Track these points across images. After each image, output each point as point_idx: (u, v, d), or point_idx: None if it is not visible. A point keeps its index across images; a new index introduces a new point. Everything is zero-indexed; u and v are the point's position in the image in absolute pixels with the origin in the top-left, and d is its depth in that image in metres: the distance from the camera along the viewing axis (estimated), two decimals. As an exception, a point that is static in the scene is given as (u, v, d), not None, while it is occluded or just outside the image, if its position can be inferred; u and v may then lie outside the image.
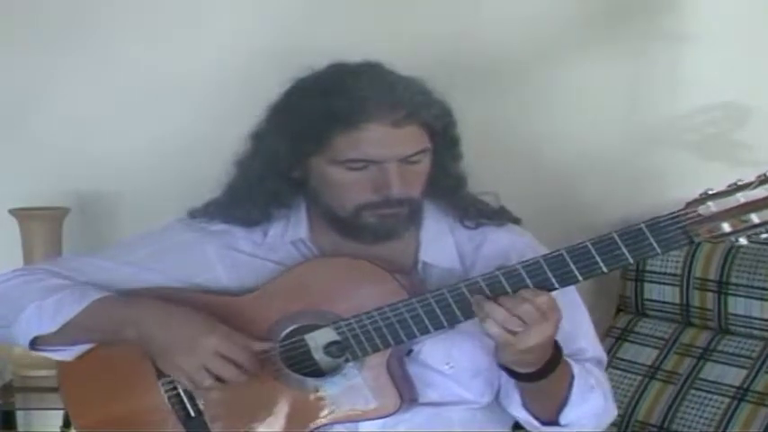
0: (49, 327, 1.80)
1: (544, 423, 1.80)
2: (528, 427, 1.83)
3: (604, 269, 1.62)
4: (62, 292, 1.81)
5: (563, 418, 1.78)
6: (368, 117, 1.73)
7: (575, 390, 1.76)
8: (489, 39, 2.52)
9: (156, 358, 1.78)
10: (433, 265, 1.84)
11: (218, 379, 1.74)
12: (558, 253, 1.64)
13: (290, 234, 1.87)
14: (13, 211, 2.47)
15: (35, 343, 1.84)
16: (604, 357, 1.91)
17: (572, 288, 1.80)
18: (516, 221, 1.92)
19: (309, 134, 1.77)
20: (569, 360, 1.77)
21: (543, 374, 1.71)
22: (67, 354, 1.86)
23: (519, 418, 1.82)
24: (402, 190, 1.76)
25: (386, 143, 1.74)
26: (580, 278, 1.64)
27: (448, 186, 1.86)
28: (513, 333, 1.63)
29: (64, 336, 1.81)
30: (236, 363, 1.74)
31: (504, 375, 1.78)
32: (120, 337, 1.78)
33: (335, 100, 1.75)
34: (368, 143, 1.74)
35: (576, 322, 1.85)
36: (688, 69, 2.53)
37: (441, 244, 1.86)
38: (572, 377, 1.76)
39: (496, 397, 1.84)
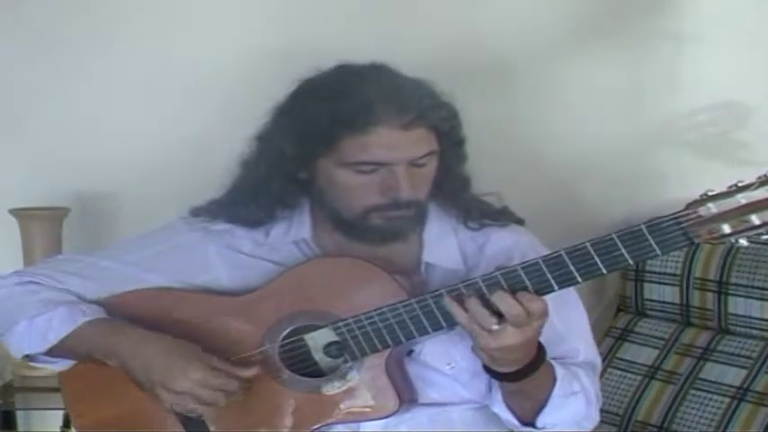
0: (36, 347, 1.81)
1: (524, 423, 1.79)
2: (509, 426, 1.83)
3: (604, 270, 1.62)
4: (54, 311, 1.81)
5: (540, 421, 1.77)
6: (377, 120, 1.73)
7: (555, 393, 1.76)
8: (489, 39, 2.52)
9: (143, 388, 1.78)
10: (436, 265, 1.84)
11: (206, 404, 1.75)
12: (557, 254, 1.64)
13: (292, 234, 1.87)
14: (13, 211, 2.47)
15: (27, 354, 1.85)
16: (598, 362, 1.90)
17: (571, 288, 1.80)
18: (519, 222, 1.92)
19: (318, 136, 1.76)
20: (554, 363, 1.76)
21: (522, 375, 1.70)
22: (60, 365, 1.88)
23: (501, 416, 1.82)
24: (410, 192, 1.76)
25: (395, 146, 1.74)
26: (579, 279, 1.64)
27: (453, 187, 1.86)
28: (489, 330, 1.64)
29: (53, 353, 1.83)
30: (221, 389, 1.74)
31: None
32: (106, 361, 1.79)
33: (344, 103, 1.75)
34: (377, 146, 1.74)
35: (571, 323, 1.85)
36: (688, 69, 2.53)
37: (443, 245, 1.86)
38: (554, 381, 1.76)
39: (494, 396, 1.85)
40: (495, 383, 1.78)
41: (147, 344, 1.77)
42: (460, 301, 1.66)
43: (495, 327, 1.63)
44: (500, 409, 1.80)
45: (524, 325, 1.63)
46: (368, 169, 1.76)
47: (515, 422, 1.79)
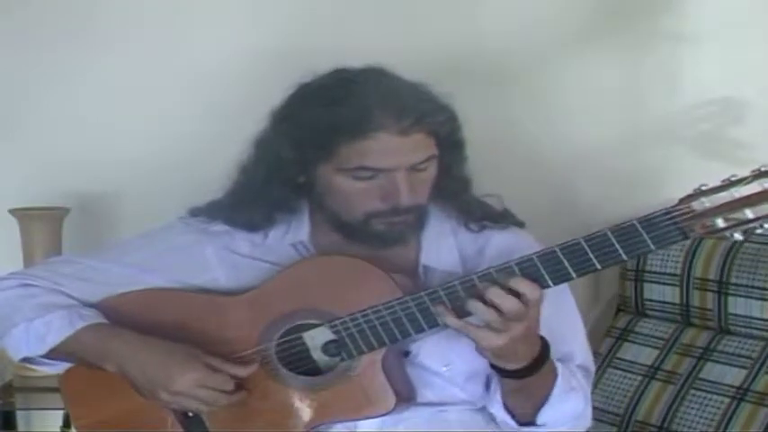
0: (35, 350, 1.82)
1: (521, 423, 1.79)
2: (504, 428, 1.82)
3: (598, 266, 1.62)
4: (52, 314, 1.81)
5: (540, 418, 1.77)
6: (375, 126, 1.72)
7: (556, 389, 1.76)
8: (488, 39, 2.52)
9: (141, 393, 1.78)
10: (435, 268, 1.84)
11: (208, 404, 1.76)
12: (551, 250, 1.63)
13: (290, 236, 1.87)
14: (13, 211, 2.47)
15: (25, 357, 1.86)
16: (592, 368, 1.89)
17: (566, 291, 1.81)
18: (520, 225, 1.91)
19: (316, 142, 1.76)
20: (554, 359, 1.76)
21: (529, 372, 1.70)
22: (56, 368, 1.89)
23: (497, 417, 1.81)
24: (410, 198, 1.75)
25: (394, 152, 1.73)
26: (574, 275, 1.63)
27: (453, 189, 1.85)
28: (495, 329, 1.63)
29: (51, 356, 1.83)
30: (219, 389, 1.75)
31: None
32: (103, 367, 1.80)
33: (342, 109, 1.73)
34: (376, 153, 1.73)
35: (567, 326, 1.85)
36: (687, 69, 2.52)
37: (442, 247, 1.86)
38: (555, 377, 1.76)
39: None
40: (494, 384, 1.78)
41: (143, 348, 1.77)
42: (449, 306, 1.67)
43: (497, 322, 1.63)
44: (497, 410, 1.79)
45: (524, 317, 1.63)
46: (366, 175, 1.75)
47: (512, 423, 1.79)
